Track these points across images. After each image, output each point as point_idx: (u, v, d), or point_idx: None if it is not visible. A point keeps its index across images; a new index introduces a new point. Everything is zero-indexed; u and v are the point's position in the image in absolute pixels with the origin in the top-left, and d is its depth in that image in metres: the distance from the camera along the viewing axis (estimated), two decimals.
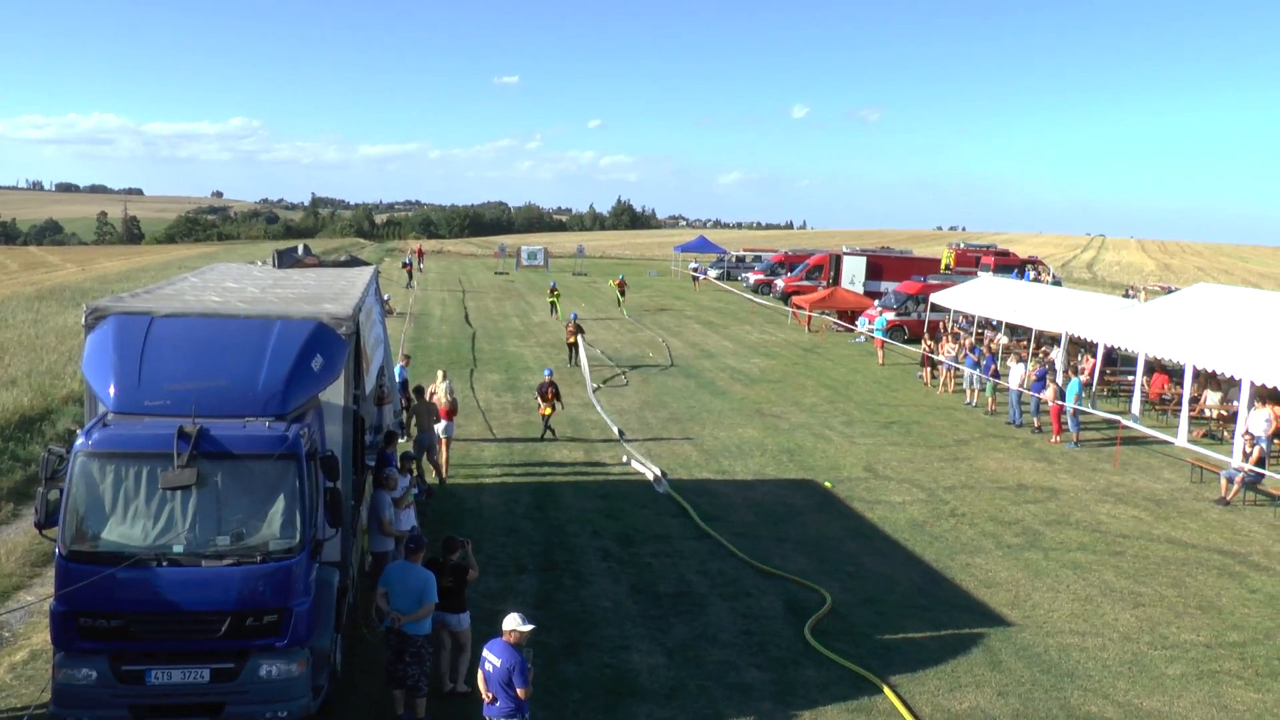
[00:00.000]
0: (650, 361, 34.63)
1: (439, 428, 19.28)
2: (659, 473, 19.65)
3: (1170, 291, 39.11)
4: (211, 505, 9.28)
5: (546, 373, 23.39)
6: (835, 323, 45.17)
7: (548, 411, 22.40)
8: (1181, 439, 23.38)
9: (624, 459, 21.10)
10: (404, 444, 18.91)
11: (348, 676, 11.36)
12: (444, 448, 19.40)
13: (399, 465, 14.65)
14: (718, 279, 72.02)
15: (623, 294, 52.80)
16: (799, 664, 12.28)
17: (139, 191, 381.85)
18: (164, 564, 9.11)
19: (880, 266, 52.50)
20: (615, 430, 23.46)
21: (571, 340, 32.66)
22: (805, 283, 55.17)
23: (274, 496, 9.42)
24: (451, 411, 19.64)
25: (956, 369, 30.76)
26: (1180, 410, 24.82)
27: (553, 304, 47.51)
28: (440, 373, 20.83)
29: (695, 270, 71.38)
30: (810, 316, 45.06)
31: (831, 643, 12.84)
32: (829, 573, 15.33)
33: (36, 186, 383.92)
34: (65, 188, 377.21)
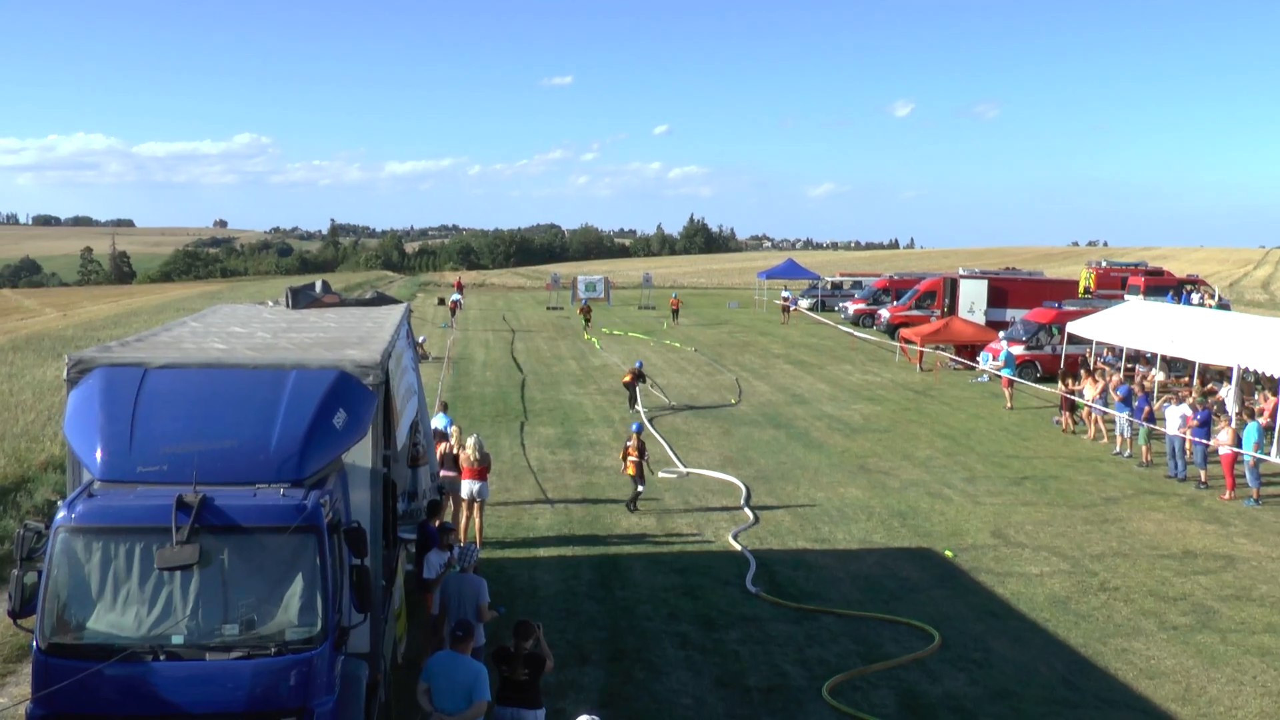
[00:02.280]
0: (729, 404, 35.00)
1: (466, 488, 19.44)
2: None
3: None
4: (217, 588, 9.31)
5: (634, 428, 23.66)
6: (952, 359, 44.77)
7: (633, 471, 22.55)
8: None
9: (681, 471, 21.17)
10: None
11: None
12: (476, 513, 19.54)
13: (440, 539, 14.73)
14: (810, 309, 71.82)
15: (675, 314, 53.21)
16: None
17: (129, 223, 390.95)
18: (161, 658, 9.12)
19: (1005, 291, 52.03)
20: (680, 468, 23.73)
21: (628, 380, 33.43)
22: (915, 312, 54.81)
23: (290, 577, 9.44)
24: (483, 469, 19.80)
25: (1102, 413, 30.46)
26: None
27: (585, 322, 48.02)
28: (456, 429, 20.93)
29: (786, 300, 71.30)
30: (922, 353, 44.79)
31: None
32: (953, 660, 15.10)
33: (11, 220, 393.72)
34: (44, 221, 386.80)
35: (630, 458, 22.63)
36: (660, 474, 25.46)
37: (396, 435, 14.08)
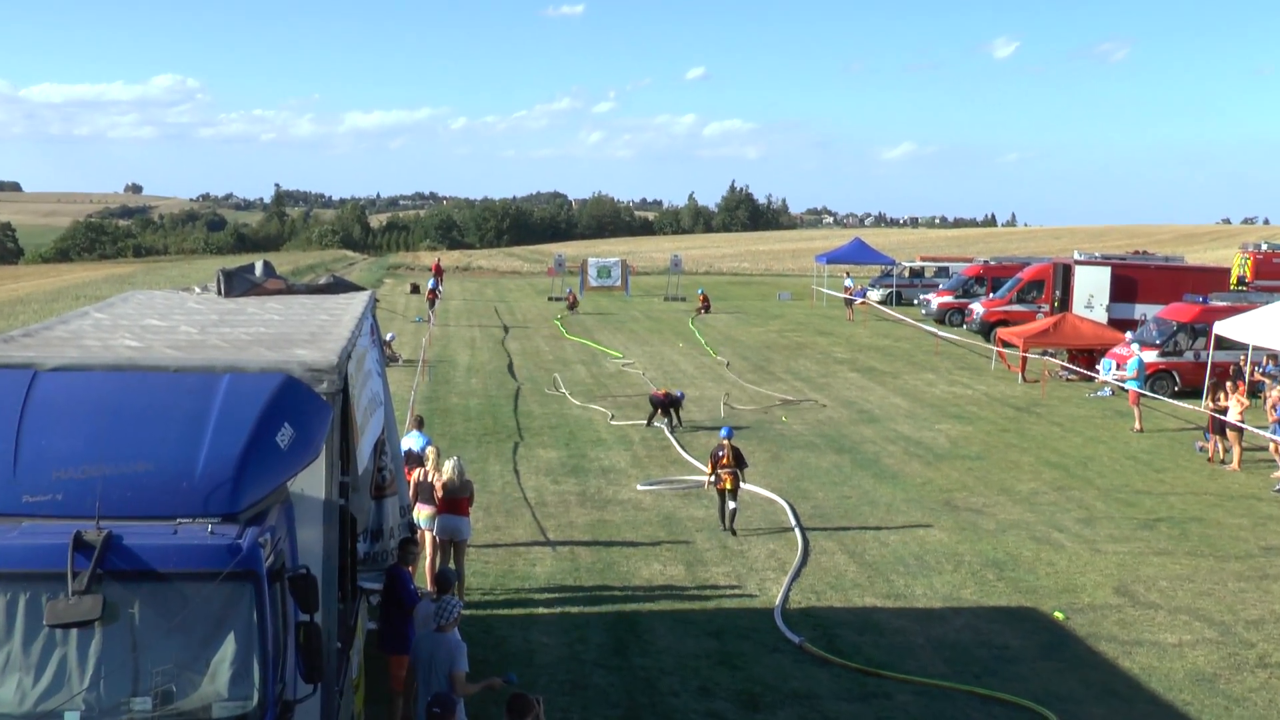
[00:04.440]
0: (779, 422, 35.36)
1: (442, 525, 19.57)
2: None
3: None
4: (124, 650, 9.18)
5: (724, 433, 24.96)
6: (1064, 367, 44.78)
7: (728, 484, 23.92)
8: None
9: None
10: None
11: None
12: (456, 557, 19.57)
13: (421, 586, 14.71)
14: (882, 303, 71.74)
15: (707, 308, 53.17)
16: None
17: (14, 186, 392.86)
18: None
19: (1133, 281, 51.93)
20: (728, 519, 24.01)
21: (660, 395, 34.36)
22: (1016, 307, 54.82)
23: (219, 636, 9.34)
24: (464, 501, 19.82)
25: (1261, 437, 30.34)
26: None
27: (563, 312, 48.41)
28: (434, 450, 21.12)
29: (850, 291, 71.25)
30: (1025, 359, 44.76)
31: None
32: None
33: None
34: None
35: (725, 468, 23.77)
36: (640, 486, 27.14)
37: (357, 457, 14.03)
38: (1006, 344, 46.56)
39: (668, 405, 34.11)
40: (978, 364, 48.70)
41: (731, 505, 24.02)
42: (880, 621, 19.28)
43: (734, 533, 23.74)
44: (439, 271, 79.15)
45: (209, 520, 9.68)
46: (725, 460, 23.92)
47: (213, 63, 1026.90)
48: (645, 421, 34.20)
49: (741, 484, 24.37)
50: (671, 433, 32.99)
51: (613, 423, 34.81)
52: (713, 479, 24.34)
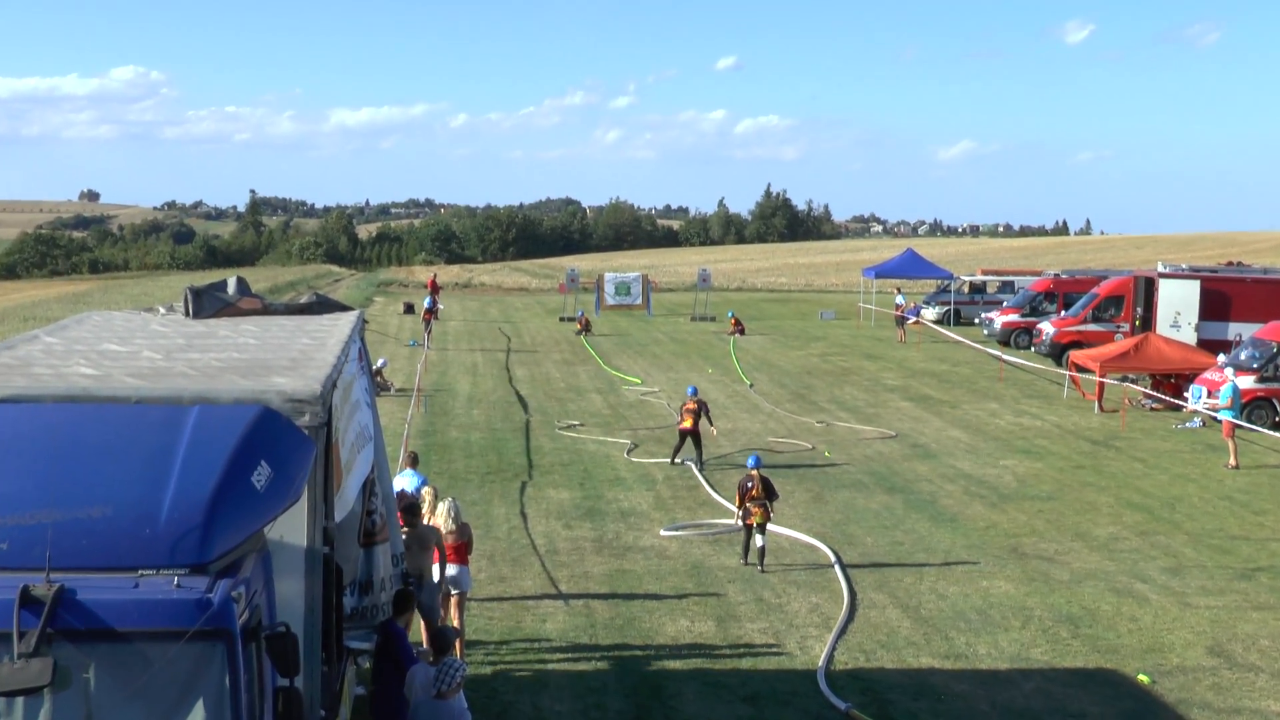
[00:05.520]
0: (823, 458, 35.62)
1: (439, 575, 19.63)
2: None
3: None
4: (77, 719, 9.25)
5: (751, 463, 25.49)
6: (1147, 395, 44.79)
7: (758, 518, 24.47)
8: None
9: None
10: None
11: None
12: (454, 611, 19.62)
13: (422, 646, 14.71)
14: (938, 322, 71.67)
15: (740, 330, 53.36)
16: None
17: None
18: None
19: (1226, 297, 51.72)
20: (754, 555, 24.33)
21: (689, 425, 33.96)
22: (1092, 327, 54.81)
23: (187, 703, 9.21)
24: (462, 547, 19.87)
25: None
26: None
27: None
28: (430, 491, 21.24)
29: (902, 309, 71.16)
30: (1102, 385, 44.68)
31: None
32: None
33: None
34: None
35: (754, 500, 24.27)
36: (664, 532, 27.28)
37: (343, 500, 14.05)
38: (1081, 369, 46.47)
39: (695, 418, 33.77)
40: (1048, 392, 48.70)
41: (759, 541, 24.50)
42: (938, 685, 19.17)
43: (761, 569, 24.22)
44: (435, 288, 79.21)
45: (175, 572, 9.60)
46: (755, 492, 24.38)
47: (180, 53, 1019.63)
48: (670, 458, 34.22)
49: (772, 518, 24.86)
50: (700, 470, 33.05)
51: (631, 458, 34.97)
52: (741, 513, 24.74)
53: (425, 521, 19.94)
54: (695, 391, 35.19)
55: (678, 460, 33.96)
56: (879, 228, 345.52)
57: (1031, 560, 25.87)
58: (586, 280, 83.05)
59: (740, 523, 24.97)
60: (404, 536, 19.08)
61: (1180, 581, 24.62)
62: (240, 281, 19.31)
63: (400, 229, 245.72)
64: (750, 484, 24.48)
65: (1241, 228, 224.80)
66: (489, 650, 20.18)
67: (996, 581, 24.35)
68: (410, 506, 19.67)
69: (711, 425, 34.30)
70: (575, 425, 39.75)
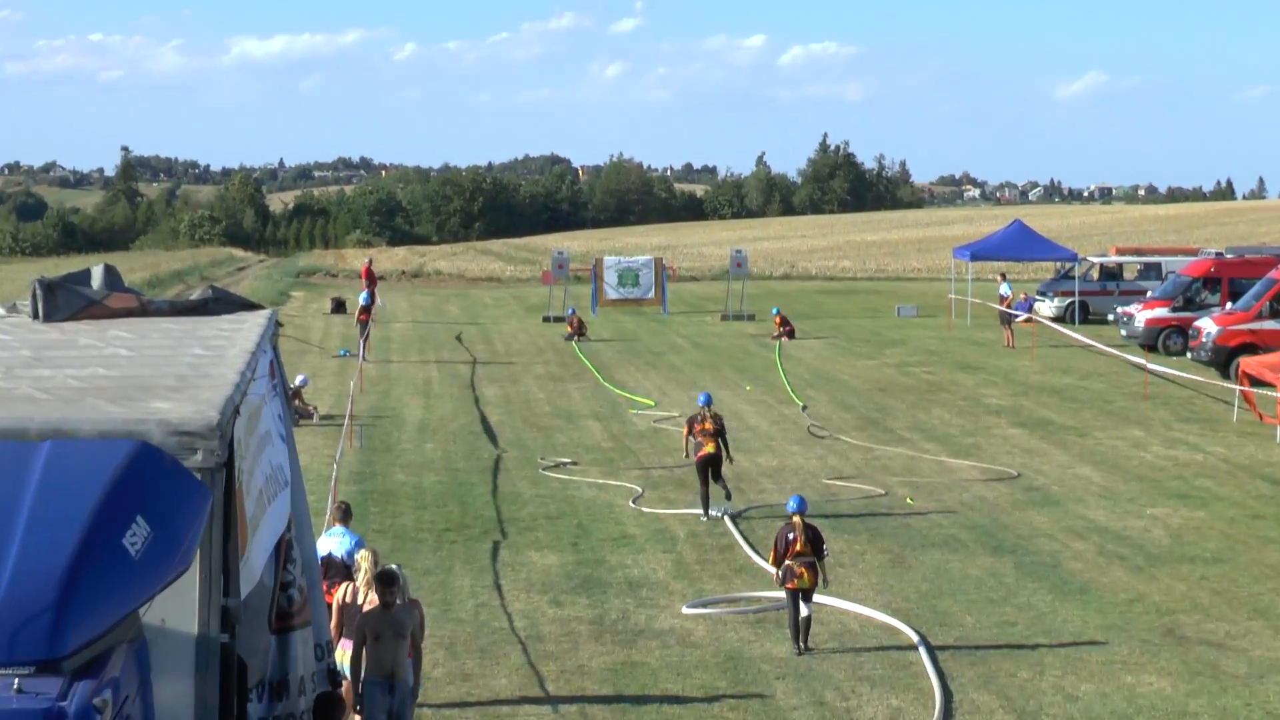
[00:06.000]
0: (903, 504, 35.36)
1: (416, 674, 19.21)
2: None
3: None
4: None
5: (793, 506, 24.96)
6: None
7: (804, 580, 23.91)
8: None
9: None
10: None
11: None
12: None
13: None
14: (1057, 319, 71.63)
15: (789, 333, 53.53)
16: None
17: None
18: None
19: None
20: (801, 635, 24.07)
21: (711, 450, 33.62)
22: (1269, 324, 54.42)
23: None
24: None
25: None
26: None
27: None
28: (367, 555, 20.89)
29: (1009, 302, 71.04)
30: None
31: None
32: None
33: None
34: None
35: (800, 557, 23.77)
36: (687, 609, 26.85)
37: (249, 569, 13.82)
38: (1256, 381, 46.38)
39: (716, 439, 33.48)
40: (1211, 412, 48.44)
41: (804, 612, 23.76)
42: None
43: (803, 648, 23.95)
44: (371, 278, 79.21)
45: (16, 671, 9.24)
46: (799, 546, 23.65)
47: None
48: (701, 508, 33.56)
49: (822, 579, 24.18)
50: (735, 523, 32.54)
51: (640, 507, 34.62)
52: (781, 574, 24.04)
53: (362, 597, 19.70)
54: (709, 401, 34.66)
55: (713, 512, 33.35)
56: (975, 192, 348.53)
57: (1194, 646, 25.09)
58: (579, 266, 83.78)
59: (781, 587, 24.46)
60: (373, 618, 18.89)
61: None
62: (109, 271, 19.06)
63: (327, 199, 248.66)
64: (792, 535, 23.75)
65: None
66: None
67: (1145, 675, 23.61)
68: (385, 575, 19.43)
69: (729, 455, 34.10)
70: (565, 464, 39.62)
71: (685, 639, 25.12)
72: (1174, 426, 45.64)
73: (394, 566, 20.13)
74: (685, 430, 34.73)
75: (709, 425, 33.13)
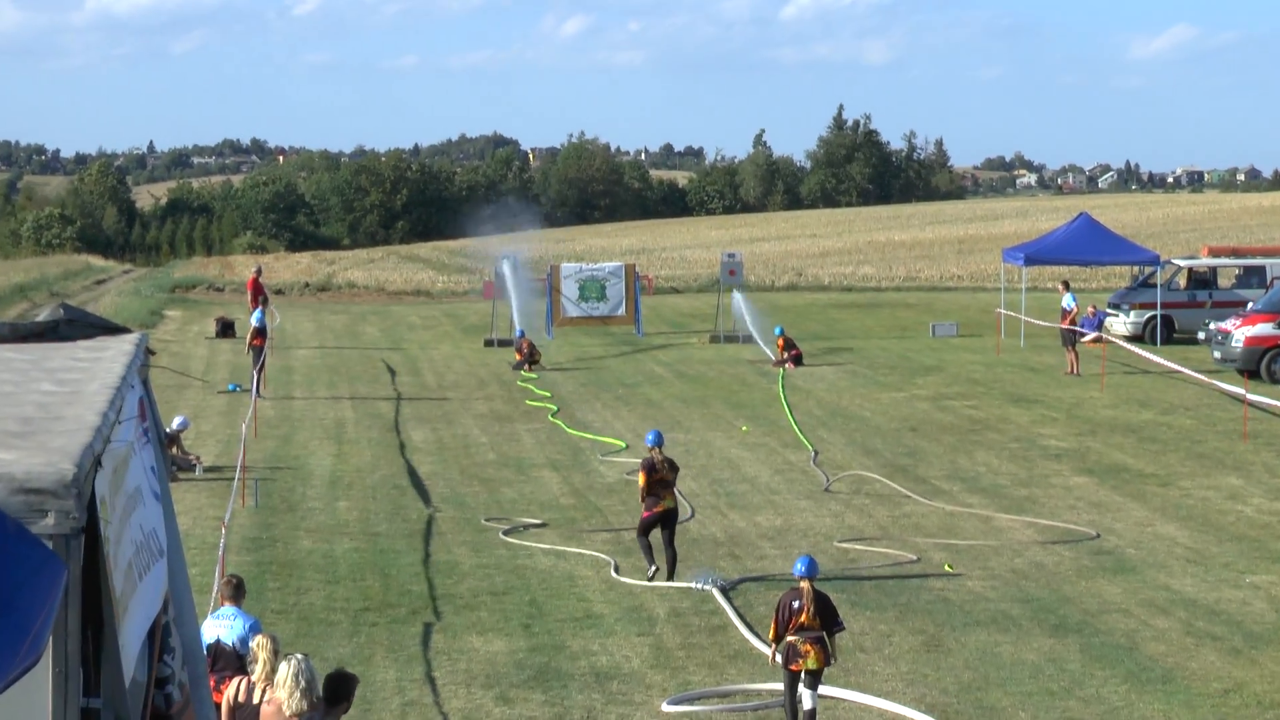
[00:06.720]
0: (945, 576, 35.64)
1: None
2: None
3: None
4: None
5: (800, 569, 25.17)
6: None
7: (811, 661, 24.15)
8: None
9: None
10: None
11: None
12: None
13: None
14: (1133, 338, 71.73)
15: (795, 359, 53.62)
16: None
17: None
18: None
19: None
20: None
21: (671, 504, 34.93)
22: None
23: None
24: None
25: None
26: None
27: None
28: (265, 643, 20.93)
29: (1072, 316, 71.15)
30: None
31: None
32: None
33: None
34: None
35: (805, 630, 24.10)
36: (667, 706, 27.17)
37: (115, 660, 13.95)
38: None
39: (672, 517, 34.16)
40: None
41: (808, 704, 24.06)
42: None
43: None
44: (260, 292, 78.78)
45: None
46: (806, 618, 23.80)
47: None
48: (697, 583, 33.80)
49: (833, 661, 24.28)
50: (727, 597, 32.57)
51: (618, 577, 34.66)
52: (781, 652, 24.19)
53: (260, 696, 19.88)
54: (659, 441, 34.88)
55: (700, 584, 33.40)
56: (1029, 178, 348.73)
57: None
58: (534, 274, 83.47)
59: (782, 668, 24.55)
60: None
61: None
62: None
63: (209, 192, 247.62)
64: (798, 603, 23.92)
65: None
66: None
67: None
68: (338, 678, 19.64)
69: (683, 505, 33.66)
70: (530, 526, 39.64)
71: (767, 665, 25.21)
72: None
73: (297, 657, 20.04)
74: (643, 477, 34.81)
75: (667, 475, 33.08)
